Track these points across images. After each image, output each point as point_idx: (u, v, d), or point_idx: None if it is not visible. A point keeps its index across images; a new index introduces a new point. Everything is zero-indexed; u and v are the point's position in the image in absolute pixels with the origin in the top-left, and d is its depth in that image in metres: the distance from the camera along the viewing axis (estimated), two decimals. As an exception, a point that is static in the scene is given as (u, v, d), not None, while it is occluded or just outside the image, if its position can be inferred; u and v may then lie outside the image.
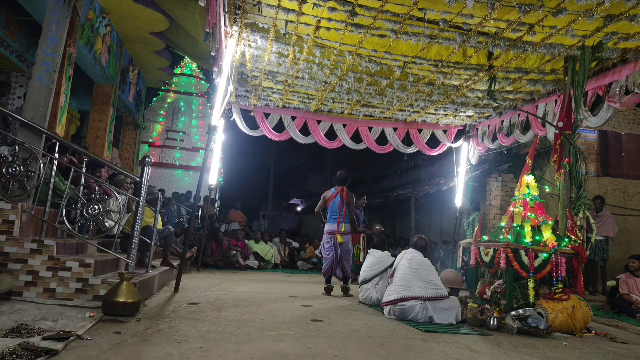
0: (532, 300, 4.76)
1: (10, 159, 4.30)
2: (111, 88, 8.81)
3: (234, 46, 5.86)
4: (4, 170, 4.25)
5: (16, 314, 3.44)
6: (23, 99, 7.84)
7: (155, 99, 13.95)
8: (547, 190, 8.11)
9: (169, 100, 14.02)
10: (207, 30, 5.49)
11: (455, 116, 8.81)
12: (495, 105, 7.82)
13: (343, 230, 6.44)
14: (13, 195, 4.29)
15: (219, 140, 8.72)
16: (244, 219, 13.08)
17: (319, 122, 9.01)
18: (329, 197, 6.63)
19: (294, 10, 5.00)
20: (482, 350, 3.57)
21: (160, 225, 5.99)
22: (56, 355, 2.61)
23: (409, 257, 4.96)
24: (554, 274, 4.80)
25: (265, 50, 6.19)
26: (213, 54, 6.13)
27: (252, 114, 8.87)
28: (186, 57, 13.14)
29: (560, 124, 5.62)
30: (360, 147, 9.27)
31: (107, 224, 5.17)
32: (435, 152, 9.78)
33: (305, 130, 9.00)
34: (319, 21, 5.23)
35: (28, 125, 4.53)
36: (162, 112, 13.89)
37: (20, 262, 4.00)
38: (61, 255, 4.17)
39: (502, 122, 8.36)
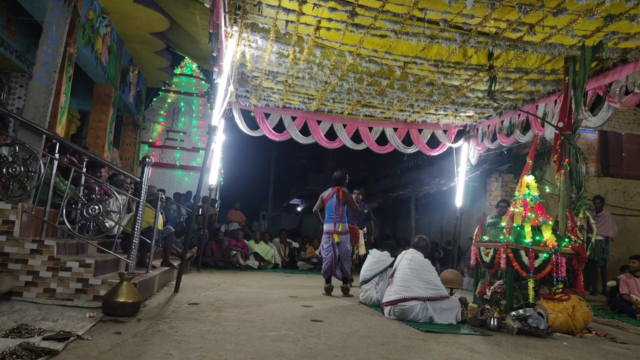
0: (531, 300, 4.76)
1: (10, 159, 4.30)
2: (111, 88, 8.81)
3: (234, 46, 5.86)
4: (4, 170, 4.25)
5: (16, 314, 3.44)
6: (23, 99, 7.85)
7: (155, 99, 13.93)
8: (547, 190, 8.11)
9: (169, 100, 14.01)
10: (210, 31, 5.49)
11: (455, 116, 8.81)
12: (495, 105, 7.82)
13: (340, 229, 6.45)
14: (13, 195, 4.28)
15: (219, 140, 8.71)
16: (243, 219, 13.06)
17: (319, 122, 9.01)
18: (326, 197, 6.65)
19: (294, 10, 5.00)
20: (482, 350, 3.57)
21: (160, 225, 5.99)
22: (56, 355, 2.61)
23: (409, 257, 4.95)
24: (554, 274, 4.79)
25: (265, 50, 6.19)
26: (215, 54, 6.14)
27: (252, 114, 8.87)
28: (186, 57, 13.13)
29: (560, 124, 5.62)
30: (360, 147, 9.27)
31: (107, 224, 5.17)
32: (435, 152, 9.78)
33: (305, 130, 9.00)
34: (319, 21, 5.22)
35: (28, 125, 4.53)
36: (162, 112, 13.88)
37: (20, 262, 4.00)
38: (61, 255, 4.17)
39: (502, 122, 8.35)
